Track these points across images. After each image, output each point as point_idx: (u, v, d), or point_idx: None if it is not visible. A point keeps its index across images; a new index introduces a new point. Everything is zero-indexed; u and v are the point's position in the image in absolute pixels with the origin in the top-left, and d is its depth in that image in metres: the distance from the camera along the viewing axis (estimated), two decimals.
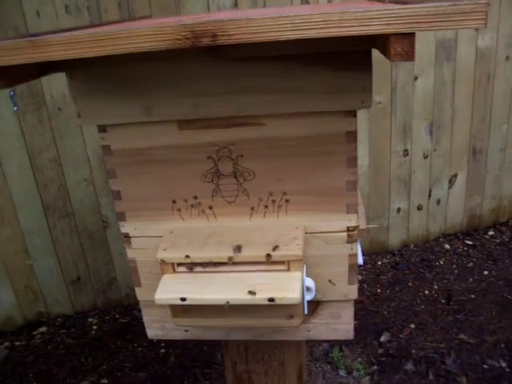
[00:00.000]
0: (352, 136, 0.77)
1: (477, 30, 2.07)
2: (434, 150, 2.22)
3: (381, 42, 0.60)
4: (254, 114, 0.76)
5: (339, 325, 0.93)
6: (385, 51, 0.58)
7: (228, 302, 0.77)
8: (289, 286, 0.77)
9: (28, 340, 1.94)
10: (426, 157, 2.22)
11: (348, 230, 0.84)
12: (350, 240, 0.85)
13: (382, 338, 1.74)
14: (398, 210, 2.27)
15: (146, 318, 0.97)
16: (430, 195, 2.29)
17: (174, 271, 0.83)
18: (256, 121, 0.77)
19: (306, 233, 0.84)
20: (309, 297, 0.86)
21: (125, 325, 1.97)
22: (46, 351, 1.86)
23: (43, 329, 1.99)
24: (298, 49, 0.66)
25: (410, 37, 0.53)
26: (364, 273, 2.14)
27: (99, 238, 2.00)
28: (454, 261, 2.18)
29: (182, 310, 0.84)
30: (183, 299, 0.78)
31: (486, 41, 2.11)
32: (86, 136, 1.84)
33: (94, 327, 1.97)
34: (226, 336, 0.96)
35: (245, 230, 0.84)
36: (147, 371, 1.70)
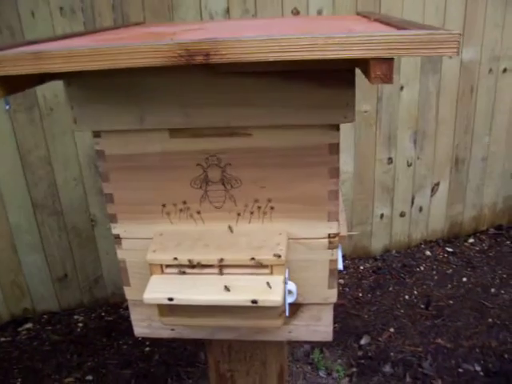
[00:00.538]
0: (335, 148, 0.81)
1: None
2: (418, 158, 2.28)
3: (363, 63, 0.64)
4: (242, 125, 0.80)
5: (319, 327, 0.97)
6: (366, 72, 0.63)
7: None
8: (271, 289, 0.81)
9: (13, 336, 1.96)
10: (409, 165, 2.27)
11: (329, 236, 0.88)
12: (331, 246, 0.89)
13: (362, 341, 1.79)
14: (382, 216, 2.32)
15: (133, 317, 1.01)
16: (412, 202, 2.35)
17: (163, 272, 0.87)
18: (244, 131, 0.81)
19: (289, 238, 0.88)
20: (290, 299, 0.90)
21: (110, 323, 2.00)
22: (31, 347, 1.88)
23: (29, 325, 2.02)
24: (286, 66, 0.70)
25: (389, 62, 0.58)
26: (346, 277, 2.19)
27: (87, 236, 2.03)
28: (434, 267, 2.24)
29: (169, 309, 0.88)
30: (170, 299, 0.82)
31: (470, 54, 2.17)
32: (76, 136, 1.86)
33: (80, 324, 2.00)
34: (210, 335, 1.00)
35: (230, 235, 0.88)
36: (131, 369, 1.74)
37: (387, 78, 0.58)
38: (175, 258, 0.85)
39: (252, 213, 0.88)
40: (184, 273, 0.86)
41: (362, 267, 2.27)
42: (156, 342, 1.83)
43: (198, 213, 0.89)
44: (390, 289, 2.09)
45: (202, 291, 0.82)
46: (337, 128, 0.80)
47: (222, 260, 0.84)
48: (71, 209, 1.96)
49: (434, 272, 2.20)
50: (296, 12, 1.90)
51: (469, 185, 2.42)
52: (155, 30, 1.01)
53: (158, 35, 0.85)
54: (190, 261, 0.85)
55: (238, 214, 0.88)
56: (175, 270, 0.86)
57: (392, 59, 0.58)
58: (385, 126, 2.16)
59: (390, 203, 2.31)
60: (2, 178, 1.86)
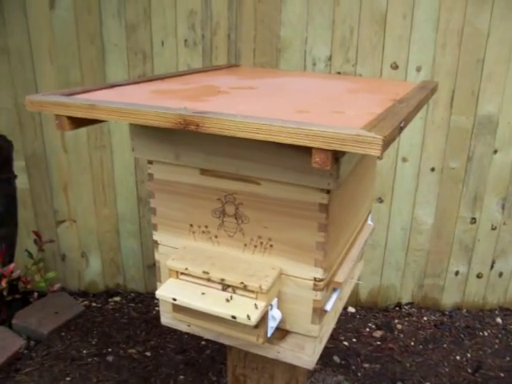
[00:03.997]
0: (324, 207, 0.96)
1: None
2: (504, 223, 2.25)
3: None
4: (250, 175, 0.99)
5: (302, 354, 1.11)
6: None
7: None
8: (250, 311, 0.99)
9: (103, 304, 2.32)
10: (493, 228, 2.26)
11: (315, 280, 1.03)
12: (316, 288, 1.03)
13: None
14: (457, 273, 2.33)
15: (161, 308, 1.24)
16: (492, 266, 2.33)
17: (178, 277, 1.09)
18: (254, 180, 1.00)
19: (281, 273, 1.05)
20: (273, 324, 1.06)
21: None
22: (113, 317, 2.22)
23: (117, 298, 2.37)
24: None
25: (326, 152, 0.73)
26: (406, 323, 2.24)
27: None
28: (500, 336, 2.20)
29: (179, 307, 1.09)
30: (174, 299, 1.03)
31: None
32: None
33: (157, 308, 2.30)
34: (215, 338, 1.20)
35: (235, 260, 1.07)
36: (184, 355, 1.99)
37: (324, 165, 0.74)
38: (186, 269, 1.06)
39: (255, 246, 1.06)
40: (192, 282, 1.06)
41: (425, 318, 2.30)
42: (211, 339, 2.06)
43: (216, 237, 1.09)
44: (445, 346, 2.11)
45: (199, 299, 1.02)
46: (327, 191, 0.95)
47: (222, 279, 1.03)
48: None
49: (497, 340, 2.17)
50: (395, 66, 2.02)
51: None
52: (221, 81, 1.23)
53: (206, 91, 1.07)
54: (197, 273, 1.05)
55: (245, 245, 1.07)
56: (187, 278, 1.08)
57: (329, 150, 0.73)
58: (472, 186, 2.19)
59: (468, 262, 2.31)
60: (118, 173, 2.22)
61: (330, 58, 2.02)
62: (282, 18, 1.97)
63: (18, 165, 2.21)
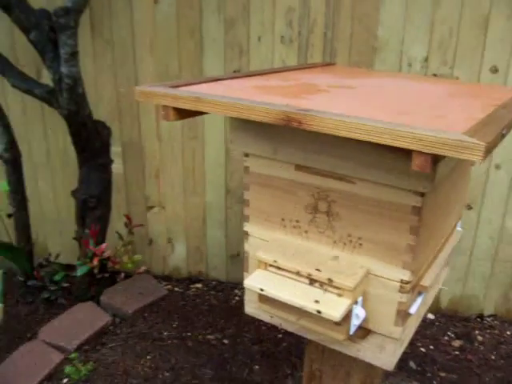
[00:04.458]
0: (417, 210, 0.96)
1: None
2: None
3: None
4: (345, 174, 1.00)
5: (382, 355, 1.12)
6: None
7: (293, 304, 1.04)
8: (335, 307, 1.00)
9: (185, 290, 2.41)
10: None
11: (401, 281, 1.03)
12: (402, 290, 1.03)
13: None
14: None
15: (246, 297, 1.28)
16: None
17: (266, 268, 1.12)
18: (349, 178, 1.01)
19: (369, 273, 1.06)
20: (356, 322, 1.07)
21: None
22: (193, 303, 2.31)
23: (199, 285, 2.46)
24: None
25: (426, 155, 0.74)
26: (487, 335, 2.17)
27: None
28: None
29: (266, 298, 1.12)
30: (262, 290, 1.07)
31: None
32: None
33: (237, 298, 2.37)
34: (297, 331, 1.23)
35: (324, 256, 1.09)
36: (261, 346, 2.04)
37: (423, 168, 0.75)
38: (275, 261, 1.09)
39: (345, 244, 1.08)
40: (279, 274, 1.09)
41: (508, 332, 2.21)
42: (289, 332, 2.09)
43: (306, 232, 1.12)
44: None
45: (286, 291, 1.05)
46: (421, 194, 0.95)
47: (310, 274, 1.06)
48: None
49: None
50: (494, 70, 1.95)
51: None
52: (319, 79, 1.25)
53: (306, 89, 1.10)
54: (285, 266, 1.08)
55: (334, 242, 1.09)
56: (275, 270, 1.11)
57: (429, 154, 0.74)
58: None
59: None
60: (208, 164, 2.30)
61: (426, 60, 1.98)
62: (379, 17, 1.95)
63: (115, 150, 2.34)
